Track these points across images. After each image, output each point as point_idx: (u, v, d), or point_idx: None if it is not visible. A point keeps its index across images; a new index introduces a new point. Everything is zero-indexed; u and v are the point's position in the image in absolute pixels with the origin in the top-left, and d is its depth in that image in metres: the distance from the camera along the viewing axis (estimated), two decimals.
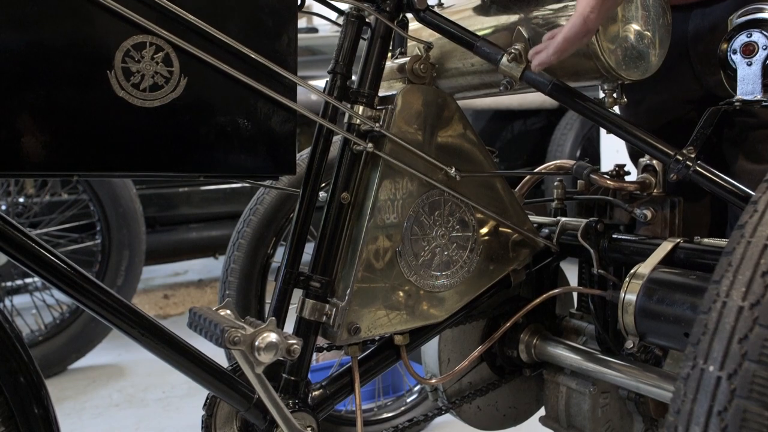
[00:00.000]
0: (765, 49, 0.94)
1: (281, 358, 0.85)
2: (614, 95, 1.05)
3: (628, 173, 1.21)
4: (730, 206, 1.29)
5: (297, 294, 1.03)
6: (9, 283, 2.72)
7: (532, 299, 1.23)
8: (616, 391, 1.20)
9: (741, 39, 0.96)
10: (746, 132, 1.18)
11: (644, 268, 1.01)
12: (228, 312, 0.90)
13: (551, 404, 1.26)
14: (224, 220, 3.44)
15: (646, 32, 1.01)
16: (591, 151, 4.02)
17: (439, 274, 1.09)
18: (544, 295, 1.23)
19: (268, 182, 1.46)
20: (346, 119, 1.04)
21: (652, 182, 1.15)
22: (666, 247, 1.04)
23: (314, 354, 1.11)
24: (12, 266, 2.60)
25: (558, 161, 1.36)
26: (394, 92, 1.05)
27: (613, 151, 3.49)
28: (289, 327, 1.00)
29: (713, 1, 1.17)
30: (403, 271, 1.06)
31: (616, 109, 1.07)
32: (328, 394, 1.07)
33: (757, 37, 0.95)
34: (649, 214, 1.12)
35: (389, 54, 1.16)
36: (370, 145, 1.01)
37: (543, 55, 0.95)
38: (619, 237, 1.16)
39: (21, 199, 2.66)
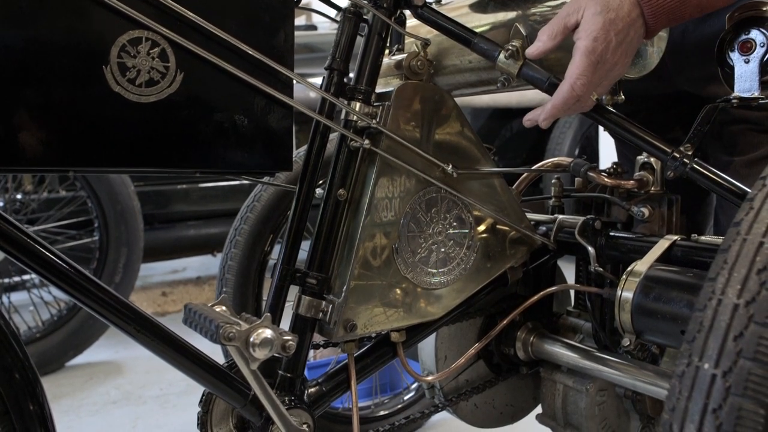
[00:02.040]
0: (762, 47, 0.94)
1: (277, 355, 0.85)
2: (612, 93, 1.05)
3: (626, 171, 1.21)
4: (716, 203, 1.30)
5: (294, 291, 1.03)
6: (6, 280, 2.72)
7: (530, 297, 1.23)
8: (613, 389, 1.20)
9: (739, 36, 0.96)
10: (724, 126, 1.19)
11: (641, 265, 1.01)
12: (223, 308, 0.90)
13: (548, 402, 1.26)
14: (222, 218, 3.44)
15: None
16: (590, 149, 4.01)
17: (435, 271, 1.09)
18: (542, 293, 1.23)
19: (265, 179, 1.46)
20: (342, 116, 1.04)
21: (650, 180, 1.15)
22: (663, 244, 1.04)
23: (311, 351, 1.11)
24: (9, 263, 2.60)
25: (556, 159, 1.36)
26: (391, 89, 1.05)
27: (611, 149, 3.48)
28: (286, 324, 1.00)
29: None
30: (399, 268, 1.05)
31: None
32: (325, 391, 1.07)
33: (754, 34, 0.95)
34: (646, 211, 1.12)
35: (386, 50, 1.16)
36: (366, 141, 1.01)
37: (532, 116, 0.99)
38: (617, 234, 1.15)
39: (19, 196, 2.65)
